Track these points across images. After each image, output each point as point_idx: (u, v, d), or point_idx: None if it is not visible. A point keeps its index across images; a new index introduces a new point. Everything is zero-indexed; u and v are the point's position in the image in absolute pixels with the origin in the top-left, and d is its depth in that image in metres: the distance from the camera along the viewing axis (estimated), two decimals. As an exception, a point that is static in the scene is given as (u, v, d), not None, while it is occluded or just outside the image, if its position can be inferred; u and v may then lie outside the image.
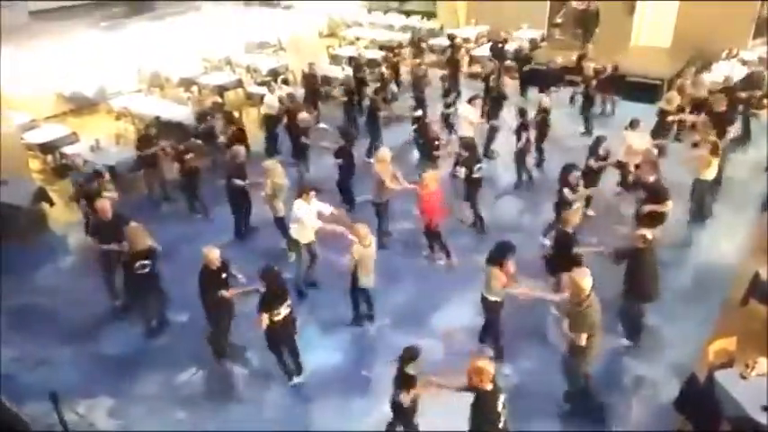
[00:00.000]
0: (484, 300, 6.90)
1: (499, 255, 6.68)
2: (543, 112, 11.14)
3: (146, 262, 7.27)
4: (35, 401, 6.42)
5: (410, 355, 5.45)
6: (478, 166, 9.41)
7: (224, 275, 6.88)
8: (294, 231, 8.14)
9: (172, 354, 7.48)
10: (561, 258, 7.30)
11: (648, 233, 6.91)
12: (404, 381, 5.49)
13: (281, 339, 6.70)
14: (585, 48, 15.73)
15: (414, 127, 11.99)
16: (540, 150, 11.47)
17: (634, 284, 7.02)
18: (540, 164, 11.54)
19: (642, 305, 7.19)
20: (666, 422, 6.34)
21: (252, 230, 9.74)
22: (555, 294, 7.17)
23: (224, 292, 6.79)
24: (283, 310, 6.51)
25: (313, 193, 8.01)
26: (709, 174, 9.39)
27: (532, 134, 10.81)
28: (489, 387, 5.02)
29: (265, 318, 6.36)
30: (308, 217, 7.91)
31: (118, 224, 7.63)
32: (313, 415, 6.68)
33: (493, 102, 12.59)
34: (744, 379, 5.91)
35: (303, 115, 10.84)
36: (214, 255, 6.73)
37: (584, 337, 5.81)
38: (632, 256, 6.93)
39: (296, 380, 6.97)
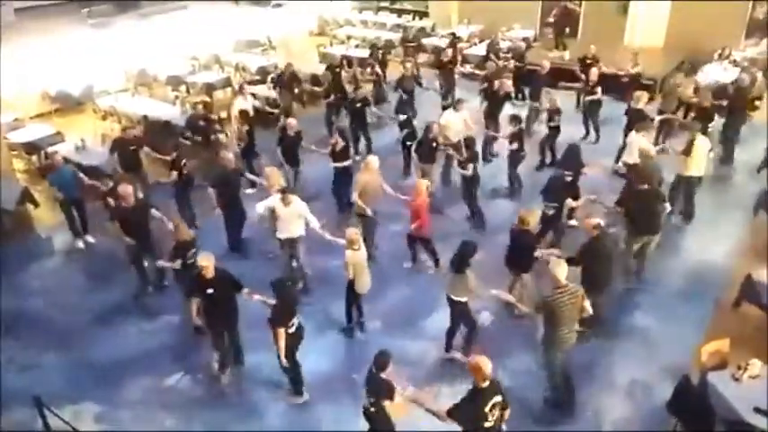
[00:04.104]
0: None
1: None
2: (556, 113, 11.18)
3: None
4: (21, 406, 6.32)
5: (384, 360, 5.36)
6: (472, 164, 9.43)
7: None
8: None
9: (158, 358, 7.37)
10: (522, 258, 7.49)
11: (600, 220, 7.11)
12: (382, 388, 5.40)
13: (294, 351, 6.58)
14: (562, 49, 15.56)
15: (405, 130, 11.39)
16: (552, 150, 11.47)
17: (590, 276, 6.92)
18: (552, 162, 11.34)
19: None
20: (659, 424, 6.30)
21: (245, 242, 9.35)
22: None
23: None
24: (296, 321, 6.45)
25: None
26: (695, 170, 9.36)
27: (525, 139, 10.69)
28: (484, 385, 4.96)
29: (282, 332, 6.26)
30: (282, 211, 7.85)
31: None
32: (303, 419, 6.59)
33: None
34: (736, 381, 5.93)
35: (292, 121, 10.41)
36: None
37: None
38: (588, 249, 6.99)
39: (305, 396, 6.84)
